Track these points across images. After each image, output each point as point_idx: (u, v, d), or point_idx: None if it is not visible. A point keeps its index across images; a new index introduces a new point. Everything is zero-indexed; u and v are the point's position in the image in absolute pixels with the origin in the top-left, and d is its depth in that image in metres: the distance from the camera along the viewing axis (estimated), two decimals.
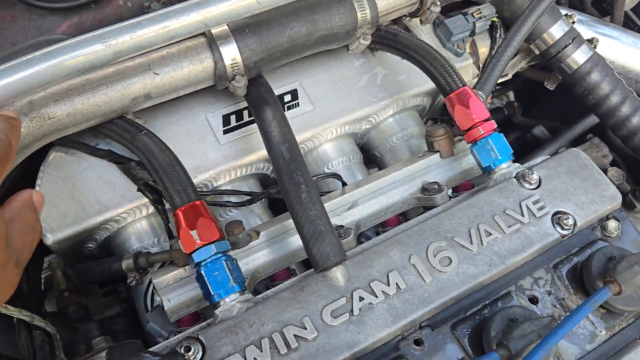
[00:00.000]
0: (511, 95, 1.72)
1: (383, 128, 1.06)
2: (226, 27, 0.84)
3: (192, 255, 0.72)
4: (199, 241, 0.72)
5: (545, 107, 1.63)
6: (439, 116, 1.25)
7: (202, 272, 0.72)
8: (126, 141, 0.83)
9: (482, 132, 0.85)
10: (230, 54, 0.84)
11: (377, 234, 0.94)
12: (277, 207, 0.99)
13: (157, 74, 0.82)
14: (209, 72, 0.85)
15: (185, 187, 0.76)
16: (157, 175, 0.78)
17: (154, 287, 0.79)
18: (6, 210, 0.55)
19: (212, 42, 0.84)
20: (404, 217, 0.96)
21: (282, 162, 0.78)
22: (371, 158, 1.09)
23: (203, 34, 0.84)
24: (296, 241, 0.84)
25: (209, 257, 0.72)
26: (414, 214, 0.96)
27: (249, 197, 0.92)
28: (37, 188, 0.86)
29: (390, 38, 0.96)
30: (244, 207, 0.93)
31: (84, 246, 0.91)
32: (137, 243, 0.90)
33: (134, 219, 0.89)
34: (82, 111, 0.81)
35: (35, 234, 0.56)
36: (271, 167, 0.99)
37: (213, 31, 0.84)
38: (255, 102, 0.86)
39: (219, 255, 0.73)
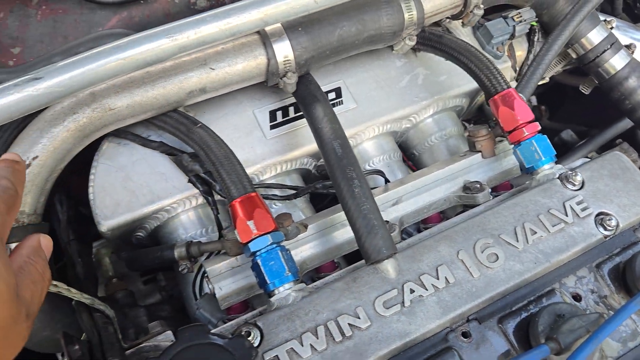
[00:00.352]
0: (533, 99, 1.73)
1: (422, 127, 1.08)
2: (279, 25, 0.87)
3: (249, 244, 0.75)
4: (255, 231, 0.75)
5: (569, 111, 1.65)
6: (471, 118, 1.27)
7: (258, 261, 0.74)
8: (181, 133, 0.86)
9: (527, 134, 0.87)
10: (283, 51, 0.87)
11: (419, 230, 0.96)
12: (314, 203, 1.02)
13: (213, 69, 0.85)
14: (261, 68, 0.88)
15: (241, 179, 0.78)
16: (213, 167, 0.80)
17: (206, 274, 0.81)
18: (15, 258, 0.53)
19: (265, 40, 0.87)
20: (443, 215, 0.98)
21: (334, 158, 0.80)
22: (409, 157, 1.12)
23: (257, 31, 0.86)
24: (342, 235, 0.87)
25: (265, 247, 0.74)
26: (451, 212, 0.98)
27: (294, 192, 0.95)
28: (92, 177, 0.89)
29: (434, 39, 0.98)
30: (288, 201, 0.96)
31: (133, 235, 0.93)
32: (184, 233, 0.93)
33: (183, 209, 0.92)
34: (141, 103, 0.83)
35: (45, 282, 0.54)
36: (314, 163, 1.02)
37: (267, 29, 0.86)
38: (305, 99, 0.89)
39: (274, 245, 0.75)
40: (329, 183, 0.94)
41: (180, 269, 0.86)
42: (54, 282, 0.75)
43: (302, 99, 0.90)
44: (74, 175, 0.92)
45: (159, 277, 1.13)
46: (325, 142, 0.82)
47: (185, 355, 0.60)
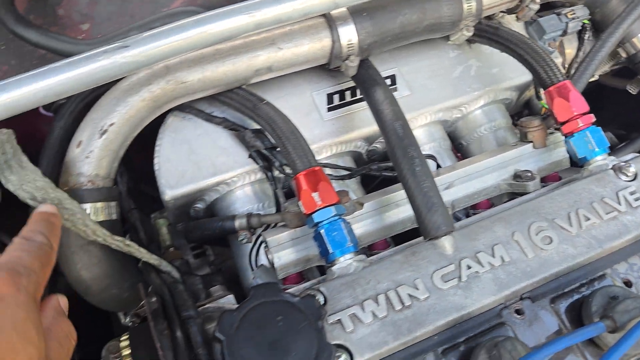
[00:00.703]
0: None
1: (472, 118, 1.11)
2: (345, 9, 0.90)
3: (312, 215, 0.78)
4: (320, 203, 0.78)
5: (609, 114, 1.66)
6: (516, 113, 1.29)
7: (321, 231, 0.77)
8: (247, 109, 0.89)
9: (581, 125, 0.89)
10: (348, 35, 0.90)
11: (467, 216, 0.98)
12: (363, 186, 1.05)
13: (281, 49, 0.89)
14: (326, 50, 0.91)
15: (306, 153, 0.82)
16: (280, 141, 0.84)
17: (265, 244, 0.85)
18: (42, 321, 0.53)
19: (331, 23, 0.90)
20: (492, 203, 1.00)
21: (395, 138, 0.83)
22: (456, 147, 1.14)
23: (324, 14, 0.90)
24: (395, 215, 0.90)
25: (329, 218, 0.78)
26: (498, 202, 1.01)
27: (348, 172, 0.98)
28: (157, 149, 0.94)
29: (491, 31, 1.01)
30: (341, 181, 0.99)
31: (191, 206, 0.97)
32: (241, 207, 0.97)
33: (242, 183, 0.96)
34: (211, 78, 0.87)
35: (72, 342, 0.55)
36: (366, 148, 1.05)
37: (333, 12, 0.90)
38: (366, 83, 0.92)
39: (337, 217, 0.78)
40: (383, 165, 0.97)
41: (239, 239, 0.90)
42: (127, 242, 0.79)
43: (362, 82, 0.93)
44: (136, 153, 0.96)
45: (208, 252, 1.17)
46: (386, 123, 0.85)
47: (259, 310, 0.64)
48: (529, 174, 0.93)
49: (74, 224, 0.76)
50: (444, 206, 0.79)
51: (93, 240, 0.79)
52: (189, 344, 0.65)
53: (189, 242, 1.03)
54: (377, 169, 0.97)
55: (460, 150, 1.14)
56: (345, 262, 0.77)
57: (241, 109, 0.91)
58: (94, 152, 0.82)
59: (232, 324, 0.62)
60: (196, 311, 0.69)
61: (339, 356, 0.67)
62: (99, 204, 0.81)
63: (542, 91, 0.98)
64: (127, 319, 0.92)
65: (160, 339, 0.64)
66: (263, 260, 0.92)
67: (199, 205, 0.97)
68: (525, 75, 1.09)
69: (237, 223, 0.89)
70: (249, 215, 0.89)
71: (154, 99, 0.85)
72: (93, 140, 0.82)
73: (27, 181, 0.73)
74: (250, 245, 0.92)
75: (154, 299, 0.68)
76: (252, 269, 0.93)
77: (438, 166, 1.01)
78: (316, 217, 0.78)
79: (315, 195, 0.78)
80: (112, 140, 0.83)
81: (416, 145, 0.83)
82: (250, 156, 0.94)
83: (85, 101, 0.97)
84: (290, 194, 0.96)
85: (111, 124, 0.83)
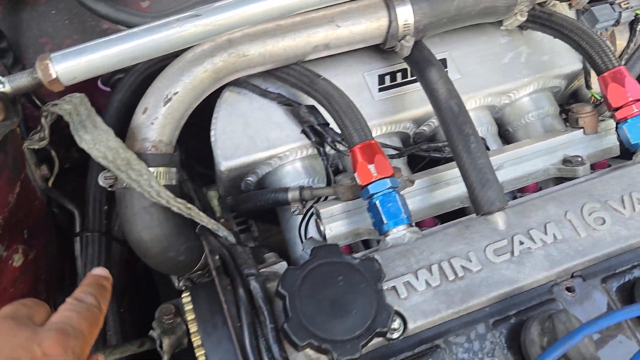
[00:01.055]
0: None
1: (519, 105, 1.11)
2: None
3: (368, 187, 0.80)
4: (375, 174, 0.80)
5: None
6: (563, 103, 1.29)
7: (377, 202, 0.79)
8: (304, 84, 0.92)
9: (636, 110, 0.89)
10: (404, 15, 0.92)
11: (514, 198, 0.99)
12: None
13: (339, 27, 0.91)
14: (382, 30, 0.93)
15: (363, 127, 0.84)
16: (337, 115, 0.86)
17: (318, 216, 0.87)
18: None
19: (389, 2, 0.92)
20: (539, 187, 1.01)
21: (451, 116, 0.85)
22: (502, 133, 1.15)
23: None
24: (445, 193, 0.92)
25: (384, 190, 0.80)
26: (545, 187, 1.01)
27: (396, 152, 1.00)
28: (214, 121, 0.97)
29: (544, 17, 1.01)
30: (390, 160, 1.01)
31: (243, 179, 1.00)
32: (291, 182, 0.99)
33: (294, 158, 0.98)
34: (271, 52, 0.90)
35: None
36: (413, 130, 1.06)
37: None
38: (420, 63, 0.94)
39: (392, 190, 0.80)
40: (433, 145, 0.99)
41: (291, 211, 0.92)
42: (188, 205, 0.82)
43: (416, 62, 0.95)
44: (198, 129, 0.99)
45: (252, 229, 1.20)
46: (441, 101, 0.87)
47: (321, 270, 0.66)
48: (579, 159, 0.94)
49: (139, 185, 0.79)
50: (498, 182, 0.80)
51: (155, 203, 0.82)
52: (250, 301, 0.68)
53: (238, 214, 1.06)
54: (426, 149, 0.99)
55: (506, 137, 1.15)
56: (399, 232, 0.78)
57: (298, 84, 0.93)
58: (158, 119, 0.86)
59: (295, 281, 0.65)
60: (257, 270, 0.71)
61: (394, 320, 0.69)
62: (161, 169, 0.84)
63: (592, 80, 0.99)
64: (181, 283, 0.95)
65: (224, 293, 0.66)
66: (312, 233, 0.94)
67: (251, 179, 1.00)
68: (575, 64, 1.10)
69: (290, 195, 0.91)
70: (302, 188, 0.91)
71: (216, 70, 0.88)
72: (158, 108, 0.86)
73: (100, 141, 0.76)
74: (301, 217, 0.94)
75: (217, 257, 0.71)
76: (302, 242, 0.95)
77: (487, 149, 1.01)
78: (372, 189, 0.80)
79: (371, 167, 0.80)
80: (176, 108, 0.87)
81: (471, 122, 0.84)
82: (303, 131, 0.96)
83: (143, 75, 1.01)
84: (337, 173, 0.99)
85: (175, 93, 0.86)
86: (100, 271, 0.67)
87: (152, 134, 0.85)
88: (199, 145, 1.01)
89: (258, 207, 0.96)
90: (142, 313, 1.04)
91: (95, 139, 0.76)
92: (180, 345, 0.91)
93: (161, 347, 0.89)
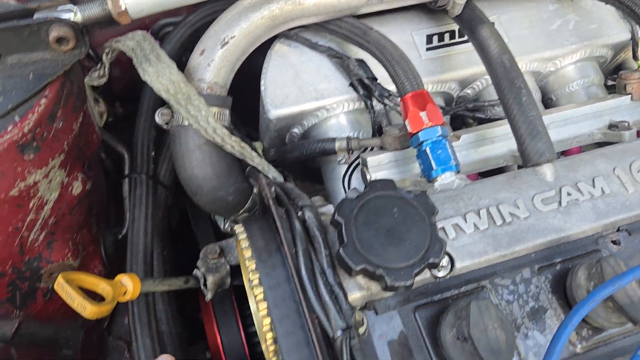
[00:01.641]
0: None
1: (564, 73, 1.12)
2: None
3: (419, 134, 0.82)
4: (427, 122, 0.81)
5: None
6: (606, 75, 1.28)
7: (427, 149, 0.81)
8: (356, 36, 0.93)
9: None
10: None
11: None
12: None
13: None
14: None
15: (415, 76, 0.85)
16: (389, 65, 0.87)
17: (364, 165, 0.89)
18: None
19: None
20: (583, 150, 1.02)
21: (502, 70, 0.86)
22: (545, 102, 1.16)
23: None
24: (490, 150, 0.93)
25: (434, 137, 0.81)
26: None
27: (441, 110, 1.01)
28: (264, 70, 0.99)
29: None
30: None
31: (289, 131, 1.02)
32: (335, 136, 1.01)
33: (341, 111, 1.00)
34: (325, 3, 0.92)
35: None
36: (458, 92, 1.07)
37: None
38: (472, 21, 0.95)
39: (442, 137, 0.82)
40: (479, 103, 1.00)
41: (338, 160, 0.94)
42: (242, 144, 0.84)
43: (467, 21, 0.96)
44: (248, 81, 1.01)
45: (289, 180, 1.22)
46: (493, 57, 0.88)
47: (376, 201, 0.68)
48: (626, 124, 0.94)
49: (197, 120, 0.81)
50: (548, 135, 0.81)
51: (209, 141, 0.85)
52: (305, 230, 0.70)
53: (283, 165, 1.08)
54: (472, 108, 1.00)
55: (548, 105, 1.15)
56: (448, 179, 0.80)
57: (350, 36, 0.95)
58: (214, 61, 0.88)
59: (351, 210, 0.67)
60: (311, 201, 0.73)
61: (442, 258, 0.71)
62: (215, 109, 0.86)
63: None
64: (226, 225, 0.98)
65: (280, 220, 0.68)
66: (355, 184, 0.96)
67: (296, 131, 1.02)
68: (623, 34, 1.10)
69: (337, 144, 0.93)
70: (349, 138, 0.93)
71: (272, 17, 0.90)
72: (215, 50, 0.88)
73: (163, 74, 0.79)
74: (345, 167, 0.96)
75: (273, 188, 0.73)
76: (345, 192, 0.97)
77: None
78: (422, 136, 0.82)
79: (422, 114, 0.82)
80: (232, 52, 0.89)
81: (523, 77, 0.85)
82: (351, 84, 0.98)
83: (193, 28, 1.04)
84: (379, 131, 1.00)
85: (232, 37, 0.88)
86: (167, 358, 0.72)
87: (208, 75, 0.88)
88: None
89: (304, 157, 0.98)
90: (181, 262, 1.07)
91: (159, 71, 0.78)
92: (223, 285, 0.94)
93: (205, 285, 0.92)
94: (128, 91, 1.12)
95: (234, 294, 1.03)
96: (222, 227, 0.99)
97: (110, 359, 1.07)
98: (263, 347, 0.69)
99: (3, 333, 0.88)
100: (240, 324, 1.03)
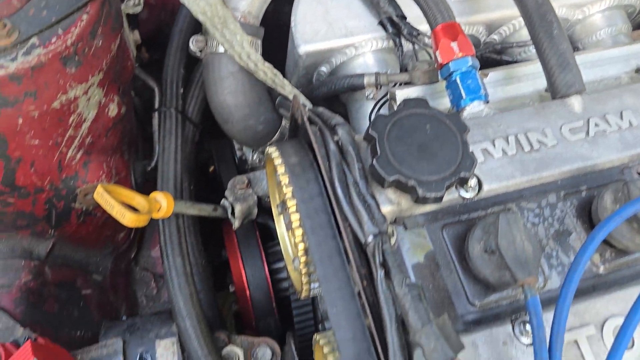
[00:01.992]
0: None
1: (591, 21, 1.12)
2: None
3: (449, 64, 0.83)
4: (458, 52, 0.82)
5: None
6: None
7: (457, 78, 0.82)
8: None
9: None
10: None
11: None
12: None
13: None
14: None
15: (447, 8, 0.86)
16: None
17: (393, 99, 0.90)
18: None
19: None
20: None
21: (534, 5, 0.86)
22: None
23: None
24: (517, 89, 0.93)
25: (465, 67, 0.82)
26: None
27: None
28: (295, 5, 0.99)
29: None
30: None
31: (317, 69, 1.04)
32: None
33: (369, 49, 1.01)
34: None
35: None
36: (484, 37, 1.08)
37: None
38: None
39: (472, 68, 0.83)
40: (507, 44, 1.01)
41: (366, 95, 0.96)
42: (275, 70, 0.86)
43: None
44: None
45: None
46: None
47: (409, 118, 0.69)
48: None
49: (232, 45, 0.83)
50: (577, 67, 0.82)
51: (241, 69, 0.87)
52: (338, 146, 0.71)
53: (311, 102, 1.09)
54: (500, 50, 1.01)
55: None
56: (477, 108, 0.81)
57: None
58: None
59: (385, 125, 0.68)
60: (344, 120, 0.74)
61: (471, 178, 0.72)
62: (248, 37, 0.88)
63: None
64: (255, 156, 1.00)
65: (315, 136, 0.70)
66: None
67: (324, 69, 1.03)
68: None
69: (366, 79, 0.94)
70: (378, 73, 0.94)
71: None
72: None
73: None
74: (372, 104, 0.98)
75: (306, 108, 0.75)
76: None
77: None
78: (452, 66, 0.83)
79: (454, 44, 0.83)
80: None
81: (554, 12, 0.85)
82: (381, 22, 0.99)
83: None
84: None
85: None
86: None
87: (243, 4, 0.89)
88: None
89: (332, 92, 0.99)
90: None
91: None
92: (250, 215, 0.97)
93: (232, 213, 0.95)
94: (154, 37, 1.13)
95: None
96: (249, 159, 1.02)
97: (137, 288, 1.10)
98: (290, 267, 0.70)
99: (38, 252, 0.92)
100: (264, 258, 1.05)
